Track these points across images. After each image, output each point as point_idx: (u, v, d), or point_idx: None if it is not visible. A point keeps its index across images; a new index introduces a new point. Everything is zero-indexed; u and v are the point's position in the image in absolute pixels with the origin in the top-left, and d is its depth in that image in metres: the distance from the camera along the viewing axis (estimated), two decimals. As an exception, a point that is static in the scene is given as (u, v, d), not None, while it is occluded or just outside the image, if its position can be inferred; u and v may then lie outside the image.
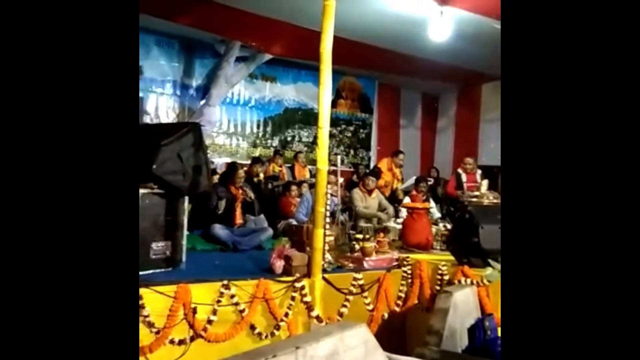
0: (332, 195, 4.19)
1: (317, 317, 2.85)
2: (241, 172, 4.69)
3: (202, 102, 7.48)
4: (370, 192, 5.30)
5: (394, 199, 6.24)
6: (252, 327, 2.66)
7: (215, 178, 5.69)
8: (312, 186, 4.74)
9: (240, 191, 4.60)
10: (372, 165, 8.75)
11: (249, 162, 6.95)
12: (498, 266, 1.75)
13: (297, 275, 2.89)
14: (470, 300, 2.82)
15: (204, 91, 7.52)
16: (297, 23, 5.94)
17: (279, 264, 3.01)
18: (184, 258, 2.98)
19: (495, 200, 4.19)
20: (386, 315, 3.21)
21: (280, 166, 7.14)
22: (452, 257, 3.45)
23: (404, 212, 4.93)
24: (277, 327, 2.74)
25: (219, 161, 7.64)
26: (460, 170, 6.14)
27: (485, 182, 4.21)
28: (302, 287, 2.86)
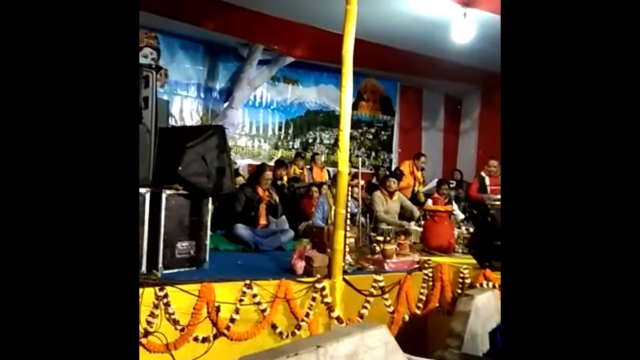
0: (352, 197, 4.21)
1: (338, 318, 2.87)
2: (269, 174, 4.75)
3: (225, 104, 7.60)
4: (391, 194, 5.28)
5: (415, 201, 6.21)
6: (274, 327, 2.70)
7: (239, 179, 5.78)
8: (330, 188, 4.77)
9: (267, 193, 4.66)
10: (393, 167, 8.73)
11: (271, 163, 7.03)
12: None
13: (318, 276, 2.92)
14: (491, 304, 2.80)
15: (227, 94, 7.64)
16: (318, 26, 5.99)
17: (300, 265, 3.05)
18: (207, 258, 3.04)
19: (518, 204, 4.14)
20: (407, 318, 3.21)
21: (302, 168, 7.19)
22: (473, 261, 3.42)
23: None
24: (298, 327, 2.77)
25: (242, 163, 7.76)
26: (483, 173, 6.08)
27: (508, 185, 4.15)
28: (323, 288, 2.88)
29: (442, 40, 5.87)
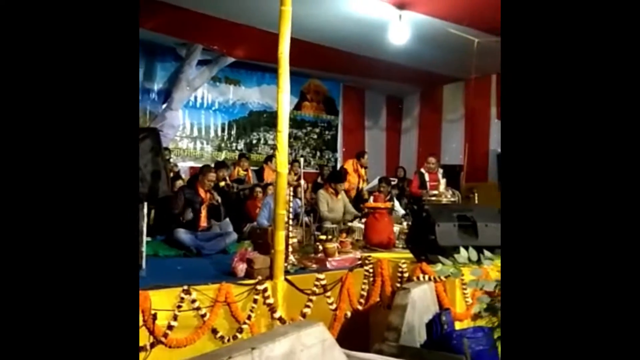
0: (294, 197, 4.22)
1: (280, 319, 2.87)
2: (211, 176, 4.66)
3: (164, 105, 7.39)
4: (336, 193, 5.35)
5: (359, 199, 6.34)
6: (214, 331, 2.66)
7: (179, 182, 5.64)
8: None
9: (208, 195, 4.57)
10: (338, 166, 8.85)
11: (213, 166, 6.91)
12: (448, 262, 1.83)
13: (259, 277, 2.91)
14: (428, 296, 2.91)
15: (166, 95, 7.43)
16: (259, 26, 5.96)
17: (241, 267, 3.03)
18: (144, 265, 2.95)
19: (452, 199, 4.33)
20: (349, 314, 3.26)
21: (246, 170, 7.13)
22: (411, 255, 3.54)
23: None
24: (240, 330, 2.74)
25: (183, 165, 7.58)
26: (423, 170, 6.30)
27: (443, 181, 4.33)
28: (265, 290, 2.87)
29: (381, 41, 6.02)
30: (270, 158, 7.56)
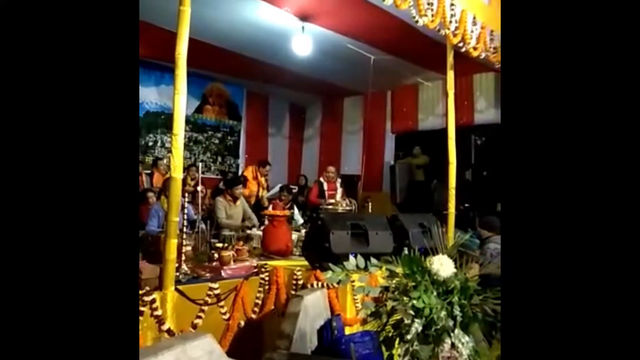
0: (191, 202, 4.08)
1: (169, 331, 2.74)
2: None
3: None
4: (235, 199, 5.27)
5: (259, 206, 6.31)
6: (94, 348, 2.46)
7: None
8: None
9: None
10: (240, 172, 8.73)
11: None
12: (337, 269, 1.89)
13: (147, 288, 2.75)
14: (320, 303, 2.97)
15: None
16: (157, 24, 5.69)
17: (127, 278, 2.84)
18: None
19: (348, 208, 4.50)
20: (242, 323, 3.22)
21: (140, 173, 6.73)
22: (307, 262, 3.60)
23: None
24: (123, 345, 2.57)
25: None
26: (322, 179, 6.47)
27: (340, 190, 4.49)
28: (153, 301, 2.72)
29: (285, 50, 6.10)
30: (157, 161, 7.19)
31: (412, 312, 1.61)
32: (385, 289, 1.80)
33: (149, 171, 7.11)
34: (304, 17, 5.50)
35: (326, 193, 6.19)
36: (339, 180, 6.49)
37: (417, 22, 3.53)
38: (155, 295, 2.75)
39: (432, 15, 3.61)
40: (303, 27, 5.62)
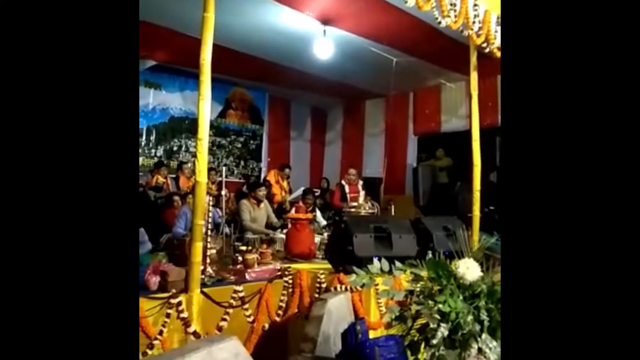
0: (214, 206, 4.13)
1: (194, 333, 2.77)
2: None
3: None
4: (259, 202, 5.31)
5: (282, 210, 6.34)
6: (122, 349, 2.51)
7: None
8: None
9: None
10: (262, 176, 8.80)
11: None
12: (362, 273, 1.89)
13: (173, 291, 2.79)
14: (344, 306, 2.96)
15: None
16: (182, 31, 5.80)
17: (154, 280, 2.89)
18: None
19: (371, 211, 4.48)
20: (267, 326, 3.23)
21: (165, 177, 6.85)
22: (330, 266, 3.60)
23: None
24: (151, 347, 2.61)
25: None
26: (343, 182, 6.46)
27: (362, 193, 4.47)
28: (179, 303, 2.76)
29: (306, 54, 6.13)
30: (182, 165, 7.31)
31: (437, 317, 1.59)
32: (410, 292, 1.79)
33: (174, 175, 7.24)
34: (326, 21, 5.52)
35: (348, 196, 6.17)
36: (361, 183, 6.47)
37: (439, 23, 3.50)
38: (182, 297, 2.79)
39: (455, 16, 3.57)
40: (324, 31, 5.64)
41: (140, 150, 7.93)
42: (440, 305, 1.59)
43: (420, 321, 1.66)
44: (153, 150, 8.09)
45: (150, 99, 7.99)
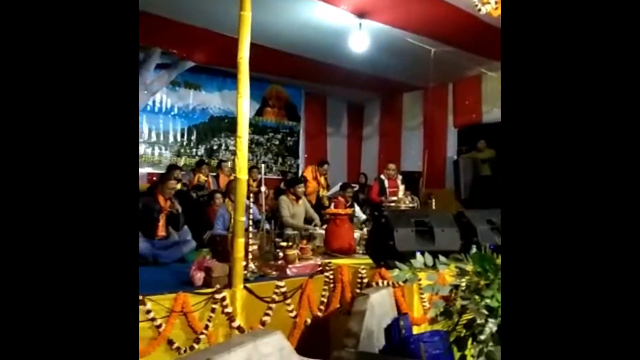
0: (255, 203, 4.19)
1: (239, 328, 2.83)
2: (172, 183, 4.54)
3: (121, 110, 7.16)
4: (297, 198, 5.35)
5: (320, 206, 6.35)
6: (170, 342, 2.58)
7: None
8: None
9: (169, 202, 4.45)
10: (300, 172, 8.85)
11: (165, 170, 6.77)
12: (404, 267, 1.85)
13: (218, 286, 2.85)
14: (386, 302, 2.94)
15: (123, 99, 7.21)
16: (219, 31, 5.90)
17: (198, 276, 2.96)
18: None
19: (411, 205, 4.41)
20: (309, 321, 3.25)
21: (207, 176, 7.01)
22: (371, 260, 3.58)
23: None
24: (197, 341, 2.68)
25: (141, 171, 7.36)
26: (382, 176, 6.40)
27: (402, 187, 4.41)
28: (223, 298, 2.82)
29: (341, 48, 6.09)
30: (221, 163, 7.43)
31: (485, 312, 1.54)
32: (455, 287, 1.74)
33: (214, 174, 7.40)
34: (361, 14, 5.46)
35: (387, 190, 6.11)
36: (400, 177, 6.39)
37: (479, 10, 3.40)
38: (226, 293, 2.85)
39: (496, 2, 3.46)
40: (360, 24, 5.59)
41: (182, 150, 8.15)
42: (488, 300, 1.54)
43: (467, 316, 1.62)
44: (194, 150, 8.29)
45: (190, 99, 8.19)
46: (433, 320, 2.83)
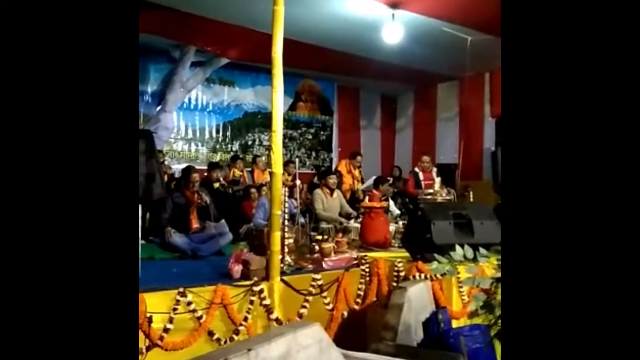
0: (290, 197, 4.22)
1: (277, 320, 2.87)
2: (195, 176, 4.64)
3: (158, 108, 7.36)
4: (331, 191, 5.35)
5: (354, 199, 6.33)
6: (211, 334, 2.65)
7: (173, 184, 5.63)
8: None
9: (196, 195, 4.55)
10: (334, 166, 8.84)
11: (207, 167, 6.90)
12: (444, 260, 1.82)
13: (255, 279, 2.90)
14: (424, 295, 2.91)
15: (160, 97, 7.40)
16: (252, 27, 5.94)
17: (236, 269, 3.02)
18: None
19: (448, 197, 4.34)
20: (346, 314, 3.26)
21: (242, 171, 7.11)
22: (407, 254, 3.54)
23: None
24: (237, 332, 2.74)
25: (178, 167, 7.54)
26: (417, 169, 6.31)
27: (438, 180, 4.34)
28: (261, 291, 2.86)
29: (374, 40, 6.02)
30: (256, 159, 7.51)
31: (529, 305, 1.50)
32: (497, 280, 1.70)
33: (249, 169, 7.50)
34: (394, 5, 5.38)
35: (422, 183, 6.03)
36: (435, 169, 6.28)
37: (518, -5, 3.27)
38: (263, 285, 2.89)
39: (536, -14, 3.32)
40: (393, 15, 5.50)
41: (217, 146, 8.29)
42: (532, 294, 1.49)
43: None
44: (229, 145, 8.42)
45: (225, 96, 8.31)
46: (472, 314, 2.78)
